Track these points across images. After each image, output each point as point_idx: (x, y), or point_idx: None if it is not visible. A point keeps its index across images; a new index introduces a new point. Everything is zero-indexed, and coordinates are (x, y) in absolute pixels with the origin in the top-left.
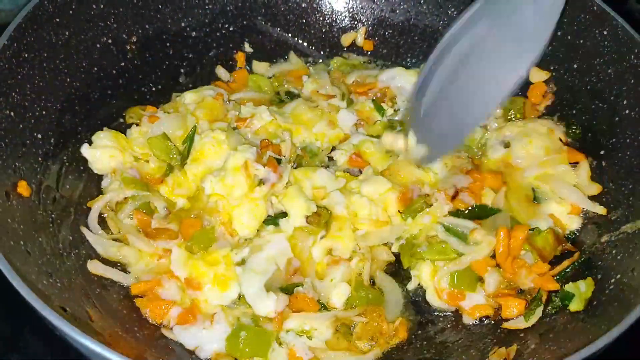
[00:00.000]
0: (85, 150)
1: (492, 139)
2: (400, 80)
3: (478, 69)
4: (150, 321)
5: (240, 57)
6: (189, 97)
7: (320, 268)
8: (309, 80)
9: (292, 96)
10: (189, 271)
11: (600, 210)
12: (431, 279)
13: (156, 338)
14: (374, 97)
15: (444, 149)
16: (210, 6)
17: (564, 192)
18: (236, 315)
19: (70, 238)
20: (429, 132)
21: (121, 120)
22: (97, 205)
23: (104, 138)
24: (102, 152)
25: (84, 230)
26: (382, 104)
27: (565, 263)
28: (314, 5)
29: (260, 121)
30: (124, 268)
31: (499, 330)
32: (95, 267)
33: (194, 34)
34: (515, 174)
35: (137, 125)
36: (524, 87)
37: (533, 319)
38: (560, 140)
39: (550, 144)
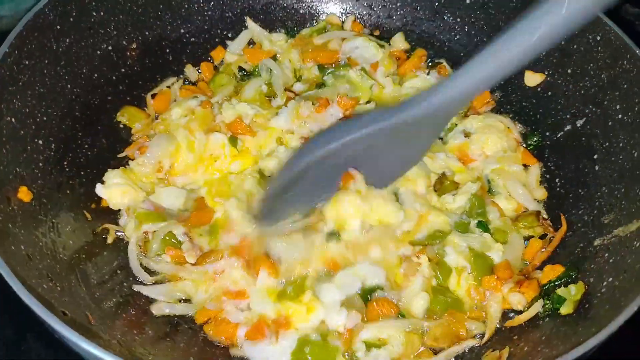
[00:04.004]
0: (100, 189)
1: (455, 127)
2: (362, 51)
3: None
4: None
5: (218, 53)
6: (175, 113)
7: (398, 279)
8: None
9: (245, 72)
10: (277, 312)
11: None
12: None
13: (158, 338)
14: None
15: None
16: (209, 13)
17: (515, 191)
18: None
19: (70, 242)
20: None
21: (122, 126)
22: (132, 251)
23: (114, 177)
24: (115, 190)
25: (140, 288)
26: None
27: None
28: (311, 12)
29: (247, 118)
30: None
31: (492, 333)
32: (160, 309)
33: (193, 40)
34: (469, 163)
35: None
36: None
37: (532, 311)
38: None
39: (507, 143)
